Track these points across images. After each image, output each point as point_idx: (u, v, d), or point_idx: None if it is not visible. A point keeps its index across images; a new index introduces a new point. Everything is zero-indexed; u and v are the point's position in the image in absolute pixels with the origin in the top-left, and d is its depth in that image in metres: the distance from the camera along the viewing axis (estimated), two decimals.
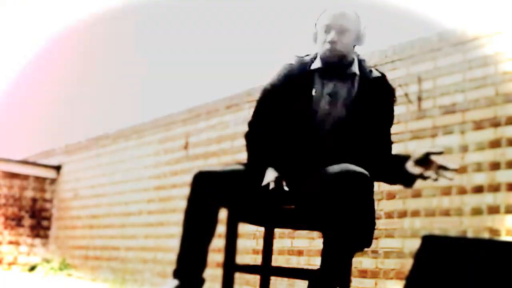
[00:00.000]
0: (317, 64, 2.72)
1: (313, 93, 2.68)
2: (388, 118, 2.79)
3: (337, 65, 2.69)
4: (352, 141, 2.65)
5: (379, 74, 2.75)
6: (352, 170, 2.42)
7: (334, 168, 2.46)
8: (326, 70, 2.71)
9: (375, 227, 2.56)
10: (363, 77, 2.71)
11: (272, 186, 2.56)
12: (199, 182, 2.60)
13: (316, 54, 2.75)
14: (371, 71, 2.74)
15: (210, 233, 2.61)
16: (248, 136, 2.77)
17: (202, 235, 2.60)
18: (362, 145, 2.66)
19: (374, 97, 2.71)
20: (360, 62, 2.75)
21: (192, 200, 2.61)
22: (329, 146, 2.65)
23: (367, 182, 2.45)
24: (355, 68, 2.72)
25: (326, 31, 2.66)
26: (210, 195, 2.59)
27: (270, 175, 2.60)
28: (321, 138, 2.66)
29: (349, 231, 2.43)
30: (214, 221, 2.61)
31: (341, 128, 2.65)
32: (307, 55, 2.80)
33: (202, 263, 2.61)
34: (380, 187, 4.92)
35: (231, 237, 2.67)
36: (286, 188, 2.57)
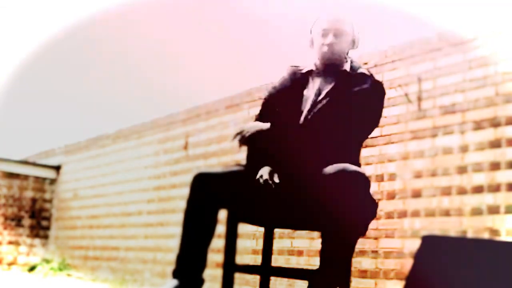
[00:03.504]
0: (310, 67, 2.83)
1: (305, 92, 2.76)
2: (363, 110, 2.72)
3: (332, 66, 2.77)
4: (329, 131, 2.66)
5: (365, 71, 2.80)
6: (349, 170, 2.44)
7: (331, 168, 2.48)
8: (319, 71, 2.80)
9: (373, 216, 2.57)
10: (349, 73, 2.78)
11: (265, 177, 2.58)
12: (199, 183, 2.62)
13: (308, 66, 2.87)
14: (359, 68, 2.81)
15: (209, 234, 2.62)
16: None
17: (201, 236, 2.61)
18: (335, 134, 2.66)
19: (352, 86, 2.73)
20: (352, 62, 2.83)
21: (192, 201, 2.63)
22: (313, 141, 2.67)
23: (364, 181, 2.46)
24: (347, 67, 2.79)
25: (324, 35, 2.76)
26: (209, 196, 2.60)
27: (263, 170, 2.62)
28: (306, 133, 2.68)
29: (347, 230, 2.44)
30: (213, 222, 2.62)
31: (323, 120, 2.68)
32: (299, 66, 2.91)
33: (201, 263, 2.62)
34: (380, 187, 4.92)
35: (231, 237, 2.67)
36: (277, 180, 2.59)
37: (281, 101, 2.79)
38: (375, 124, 2.78)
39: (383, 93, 2.78)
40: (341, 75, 2.77)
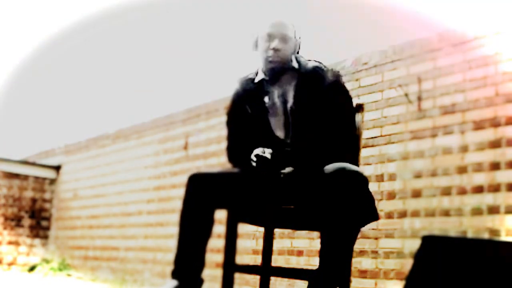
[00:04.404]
0: (261, 76, 2.83)
1: (266, 101, 2.79)
2: (337, 102, 2.75)
3: (280, 70, 2.78)
4: (305, 131, 2.69)
5: (316, 64, 2.81)
6: (347, 169, 2.44)
7: (330, 167, 2.48)
8: (271, 78, 2.81)
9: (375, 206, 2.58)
10: (301, 70, 2.79)
11: (257, 152, 2.62)
12: (194, 184, 2.63)
13: (257, 70, 2.87)
14: (307, 63, 2.82)
15: (206, 234, 2.63)
16: (230, 159, 2.88)
17: (198, 236, 2.62)
18: (314, 132, 2.69)
19: (314, 83, 2.75)
20: (298, 58, 2.84)
21: (187, 201, 2.64)
22: (290, 146, 2.71)
23: (362, 181, 2.47)
24: (294, 64, 2.81)
25: (269, 39, 2.78)
26: (204, 196, 2.61)
27: (256, 150, 2.66)
28: (282, 141, 2.73)
29: (347, 230, 2.44)
30: (209, 222, 2.63)
31: (295, 123, 2.71)
32: (248, 75, 2.92)
33: (200, 263, 2.62)
34: (380, 187, 4.92)
35: (231, 237, 2.67)
36: (268, 156, 2.60)
37: (246, 115, 2.81)
38: (354, 112, 2.80)
39: (341, 79, 2.81)
40: (297, 74, 2.79)
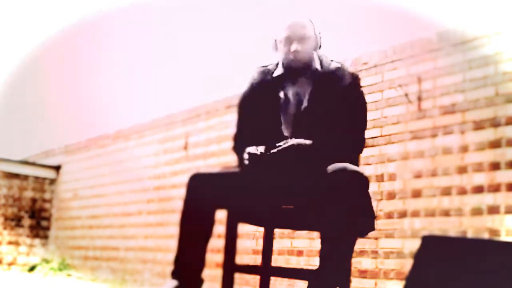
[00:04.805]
0: (280, 71, 2.81)
1: (281, 96, 2.77)
2: (351, 104, 2.74)
3: (300, 69, 2.77)
4: (313, 133, 2.68)
5: (338, 65, 2.80)
6: (349, 169, 2.44)
7: (331, 167, 2.48)
8: (290, 74, 2.79)
9: (375, 215, 2.58)
10: (323, 71, 2.78)
11: (249, 150, 2.60)
12: (195, 183, 2.62)
13: (277, 62, 2.85)
14: (330, 64, 2.80)
15: (207, 234, 2.63)
16: (234, 148, 2.85)
17: (199, 236, 2.61)
18: (326, 133, 2.68)
19: (332, 86, 2.74)
20: (321, 58, 2.82)
21: (188, 201, 2.63)
22: (312, 141, 2.67)
23: (363, 181, 2.46)
24: (317, 65, 2.78)
25: (287, 43, 2.76)
26: (205, 196, 2.60)
27: (248, 149, 2.65)
28: (287, 139, 2.71)
29: (346, 230, 2.44)
30: (210, 222, 2.63)
31: (308, 122, 2.70)
32: (268, 65, 2.90)
33: (200, 263, 2.62)
34: (380, 187, 4.92)
35: (231, 237, 2.67)
36: (262, 150, 2.59)
37: (258, 105, 2.80)
38: (366, 118, 2.80)
39: (360, 82, 2.79)
40: (316, 75, 2.77)
